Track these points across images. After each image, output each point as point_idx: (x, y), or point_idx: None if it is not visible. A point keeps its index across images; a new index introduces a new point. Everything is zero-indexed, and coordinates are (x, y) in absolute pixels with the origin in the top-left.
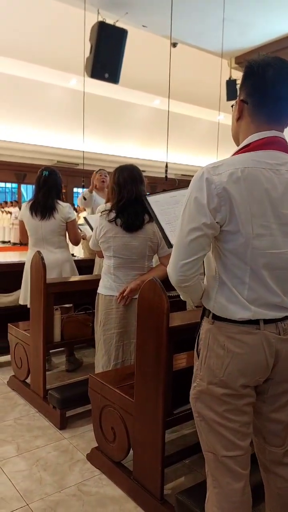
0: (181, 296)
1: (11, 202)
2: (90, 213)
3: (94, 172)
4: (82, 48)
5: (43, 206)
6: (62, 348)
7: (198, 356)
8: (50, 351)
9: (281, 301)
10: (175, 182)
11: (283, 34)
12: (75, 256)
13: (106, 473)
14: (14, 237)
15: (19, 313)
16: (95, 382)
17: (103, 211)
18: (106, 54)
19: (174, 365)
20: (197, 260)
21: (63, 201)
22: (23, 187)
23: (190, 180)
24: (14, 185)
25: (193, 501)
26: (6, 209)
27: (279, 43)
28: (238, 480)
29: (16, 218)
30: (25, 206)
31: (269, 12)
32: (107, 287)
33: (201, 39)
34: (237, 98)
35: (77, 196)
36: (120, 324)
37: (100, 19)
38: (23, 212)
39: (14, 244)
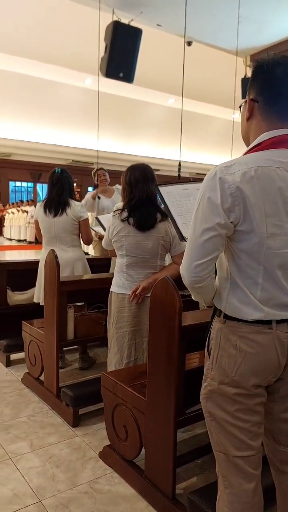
0: (192, 297)
1: (27, 201)
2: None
3: (92, 173)
4: (97, 48)
5: (57, 202)
6: (76, 346)
7: (209, 355)
8: (64, 348)
9: None
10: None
11: None
12: (88, 254)
13: (118, 472)
14: (30, 235)
15: (33, 311)
16: (107, 380)
17: (115, 211)
18: (121, 54)
19: (187, 364)
20: (211, 260)
21: (76, 200)
22: (38, 186)
23: None
24: (30, 184)
25: (205, 502)
26: (22, 208)
27: None
28: (249, 481)
29: (32, 217)
30: (39, 205)
31: (285, 10)
32: (120, 285)
33: (216, 37)
34: (246, 97)
35: None
36: (133, 323)
37: (115, 18)
38: (38, 211)
39: (30, 242)
